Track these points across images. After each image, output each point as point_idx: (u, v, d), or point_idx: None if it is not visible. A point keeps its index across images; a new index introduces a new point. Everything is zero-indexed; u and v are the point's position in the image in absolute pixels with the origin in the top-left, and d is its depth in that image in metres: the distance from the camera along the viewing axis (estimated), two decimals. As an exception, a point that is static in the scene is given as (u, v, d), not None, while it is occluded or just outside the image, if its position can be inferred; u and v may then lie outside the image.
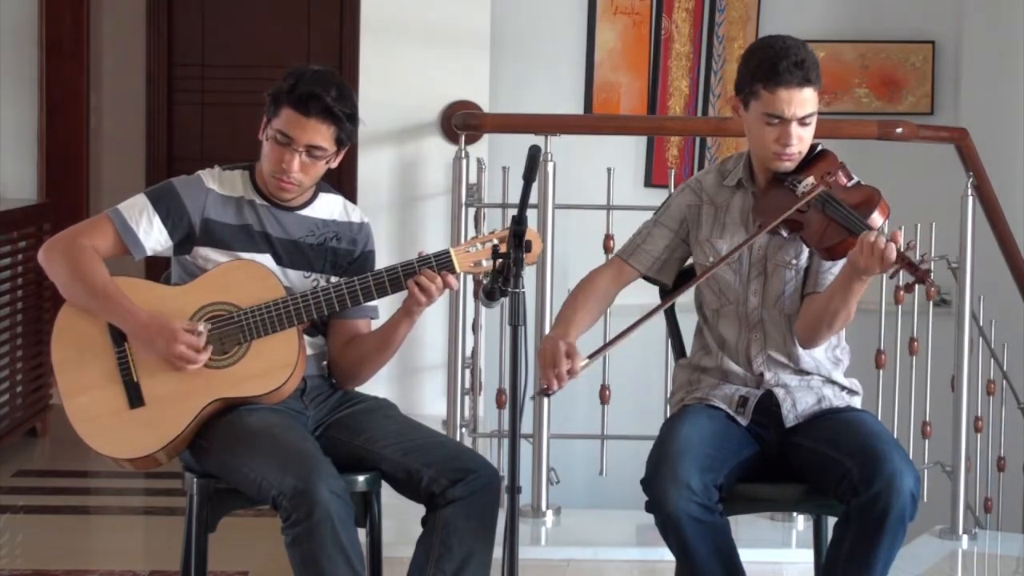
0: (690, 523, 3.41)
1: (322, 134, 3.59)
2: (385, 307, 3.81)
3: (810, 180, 3.60)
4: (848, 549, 3.46)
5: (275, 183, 3.63)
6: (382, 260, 3.78)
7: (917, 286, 3.44)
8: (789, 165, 3.64)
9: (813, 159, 3.67)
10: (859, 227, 3.50)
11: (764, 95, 3.57)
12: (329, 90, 3.57)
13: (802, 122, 3.59)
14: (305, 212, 3.72)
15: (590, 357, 3.57)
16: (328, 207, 3.76)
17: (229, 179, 3.70)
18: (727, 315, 3.71)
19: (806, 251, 3.65)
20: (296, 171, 3.59)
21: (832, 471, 3.48)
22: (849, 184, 3.64)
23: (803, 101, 3.57)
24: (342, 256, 3.74)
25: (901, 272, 3.43)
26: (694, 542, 3.43)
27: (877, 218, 3.52)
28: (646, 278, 3.79)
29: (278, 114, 3.59)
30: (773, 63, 3.55)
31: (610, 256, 3.82)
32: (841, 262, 3.60)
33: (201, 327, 3.53)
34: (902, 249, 3.42)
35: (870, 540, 3.42)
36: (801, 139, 3.61)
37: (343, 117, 3.59)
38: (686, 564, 3.48)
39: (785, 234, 3.63)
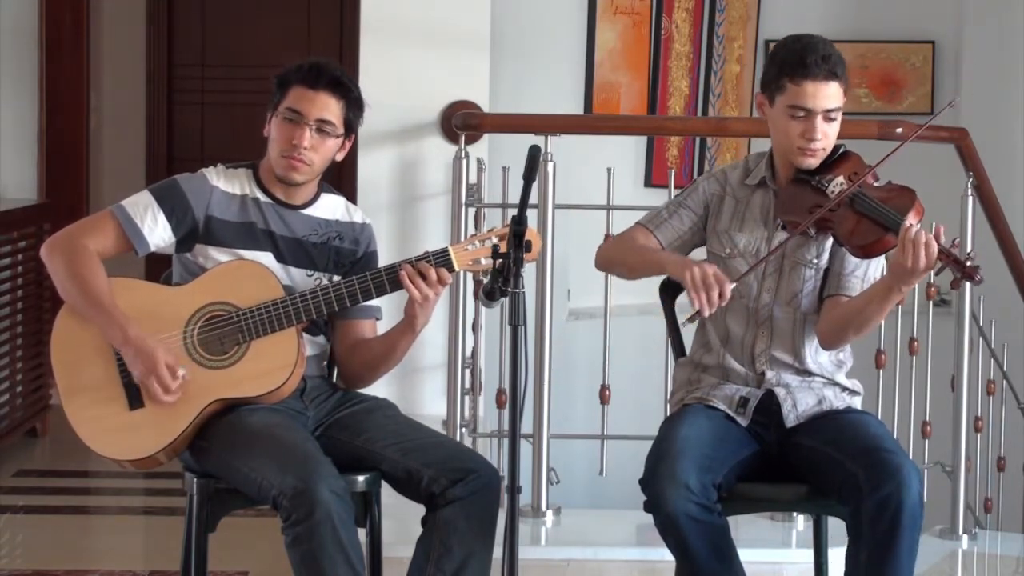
0: (688, 523, 3.40)
1: (331, 109, 3.61)
2: (388, 309, 3.81)
3: (840, 179, 3.61)
4: (866, 565, 3.42)
5: (285, 163, 3.63)
6: (382, 260, 3.78)
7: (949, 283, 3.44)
8: (813, 161, 3.64)
9: (837, 159, 3.67)
10: (895, 222, 3.48)
11: (790, 88, 3.59)
12: (336, 67, 3.64)
13: (827, 117, 3.60)
14: (308, 211, 3.72)
15: (735, 281, 3.56)
16: (331, 207, 3.76)
17: (233, 177, 3.70)
18: (736, 308, 3.70)
19: (828, 251, 3.65)
20: (307, 146, 3.60)
21: (835, 473, 3.48)
22: (879, 183, 3.64)
23: (828, 95, 3.59)
24: (345, 256, 3.74)
25: (947, 270, 3.43)
26: (693, 542, 3.42)
27: (911, 219, 3.50)
28: None
29: (286, 94, 3.62)
30: (801, 56, 3.58)
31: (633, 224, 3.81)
32: (867, 265, 3.60)
33: (182, 372, 3.52)
34: (944, 243, 3.41)
35: (889, 550, 3.39)
36: (826, 135, 3.62)
37: (352, 88, 3.64)
38: (685, 564, 3.48)
39: (812, 233, 3.62)
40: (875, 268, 3.66)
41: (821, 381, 3.70)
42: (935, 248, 3.40)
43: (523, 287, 3.31)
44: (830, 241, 3.65)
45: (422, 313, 3.59)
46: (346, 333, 3.75)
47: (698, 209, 3.75)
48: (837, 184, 3.60)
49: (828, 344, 3.66)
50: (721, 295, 3.49)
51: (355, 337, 3.74)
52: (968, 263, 3.42)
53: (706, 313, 3.51)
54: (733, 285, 3.54)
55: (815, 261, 3.66)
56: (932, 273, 3.46)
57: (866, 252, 3.56)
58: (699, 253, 3.78)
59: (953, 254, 3.42)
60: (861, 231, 3.53)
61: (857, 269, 3.63)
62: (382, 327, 3.78)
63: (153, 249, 3.65)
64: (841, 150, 3.70)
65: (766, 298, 3.68)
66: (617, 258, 3.78)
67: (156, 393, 3.51)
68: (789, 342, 3.68)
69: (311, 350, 3.68)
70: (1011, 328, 6.05)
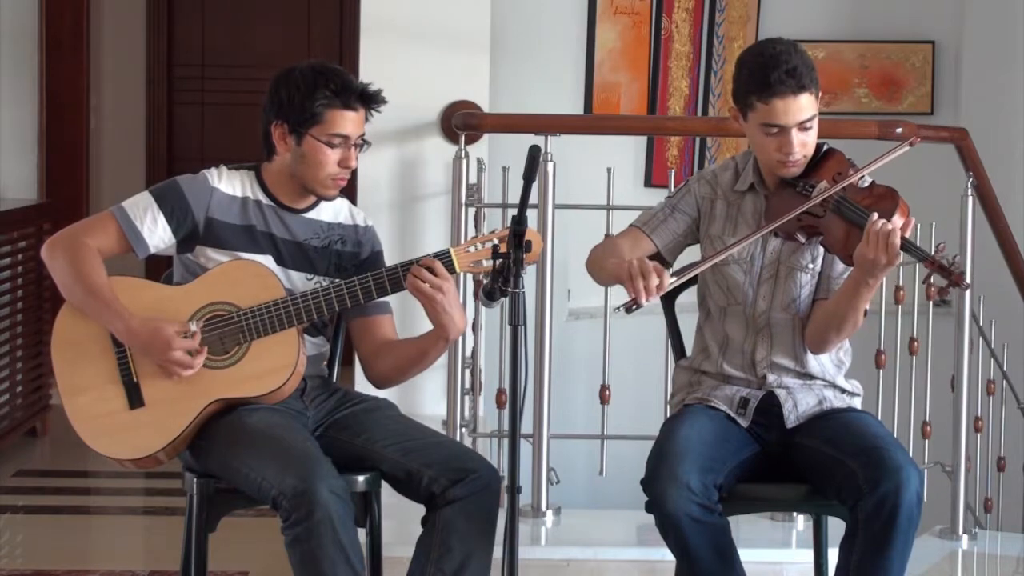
0: (690, 523, 3.40)
1: (363, 121, 3.65)
2: (399, 306, 3.80)
3: (824, 184, 3.58)
4: (858, 561, 3.42)
5: (335, 183, 3.64)
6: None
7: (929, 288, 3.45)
8: (796, 171, 3.61)
9: (820, 159, 3.64)
10: None
11: (760, 107, 3.54)
12: (352, 75, 3.64)
13: (802, 127, 3.55)
14: (311, 215, 3.72)
15: (675, 275, 3.52)
16: (333, 210, 3.76)
17: (235, 178, 3.70)
18: (734, 314, 3.69)
19: (822, 255, 3.64)
20: (355, 166, 3.65)
21: (835, 472, 3.47)
22: (864, 185, 3.62)
23: (800, 108, 3.52)
24: (346, 259, 3.74)
25: (933, 276, 3.43)
26: (694, 542, 3.42)
27: (898, 220, 3.47)
28: (655, 256, 3.74)
29: (321, 120, 3.58)
30: (764, 74, 3.51)
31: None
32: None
33: (193, 326, 3.53)
34: (912, 240, 3.40)
35: (881, 548, 3.39)
36: (804, 144, 3.57)
37: (378, 95, 3.65)
38: (686, 564, 3.48)
39: (803, 239, 3.60)
40: None
41: (822, 383, 3.70)
42: (897, 239, 3.40)
43: (523, 287, 3.31)
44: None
45: (446, 318, 3.56)
46: (366, 332, 3.73)
47: (691, 212, 3.73)
48: (821, 189, 3.58)
49: (814, 348, 3.65)
50: (659, 286, 3.43)
51: (378, 336, 3.72)
52: (954, 269, 3.40)
53: (642, 300, 3.44)
54: (672, 280, 3.49)
55: (810, 266, 3.65)
56: (921, 278, 3.46)
57: None
58: (693, 253, 3.78)
59: (938, 261, 3.41)
60: (853, 240, 3.51)
61: (846, 272, 3.61)
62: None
63: (153, 251, 3.65)
64: (824, 148, 3.66)
65: (762, 305, 3.67)
66: (595, 264, 3.72)
67: (185, 363, 3.50)
68: (790, 347, 3.67)
69: (311, 350, 3.68)
70: (1011, 328, 6.05)
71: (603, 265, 3.65)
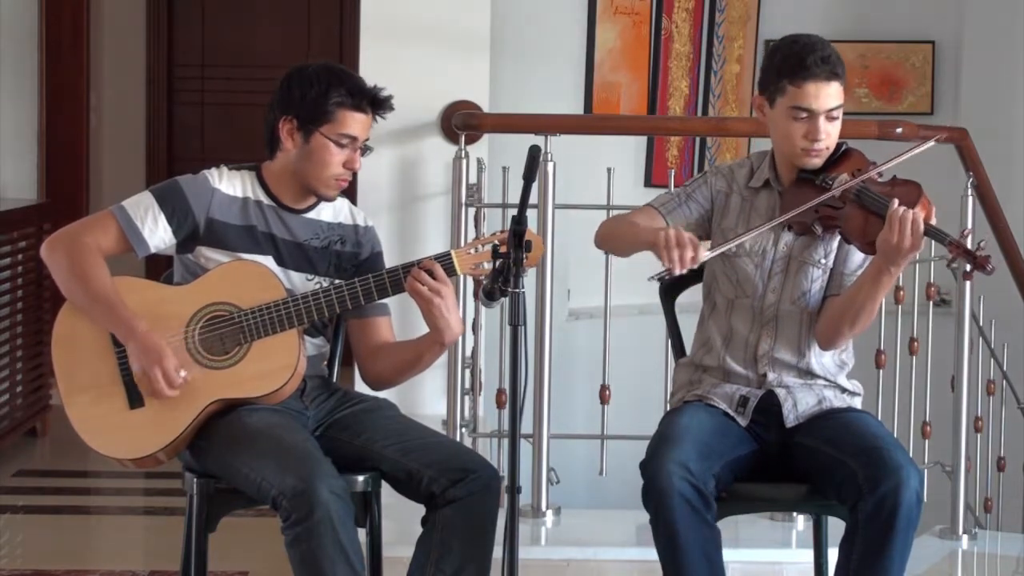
0: (682, 505, 3.37)
1: (370, 126, 3.66)
2: (397, 308, 3.80)
3: (844, 176, 3.61)
4: (858, 561, 3.42)
5: (337, 184, 3.65)
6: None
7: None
8: (817, 161, 3.64)
9: (840, 157, 3.67)
10: None
11: (791, 90, 3.59)
12: (362, 79, 3.64)
13: (830, 116, 3.60)
14: (311, 215, 3.72)
15: (710, 251, 3.54)
16: (333, 210, 3.75)
17: (235, 178, 3.70)
18: (741, 307, 3.70)
19: (835, 251, 3.65)
20: (359, 168, 3.65)
21: (835, 472, 3.47)
22: (883, 180, 3.64)
23: (830, 95, 3.59)
24: (346, 259, 3.74)
25: (960, 261, 3.46)
26: (684, 532, 3.38)
27: (919, 211, 3.49)
28: None
29: (332, 119, 3.59)
30: (800, 58, 3.57)
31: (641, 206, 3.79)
32: (868, 263, 3.60)
33: (184, 373, 3.52)
34: (936, 226, 3.42)
35: (881, 548, 3.38)
36: (829, 134, 3.62)
37: (389, 101, 3.66)
38: (671, 558, 3.41)
39: (819, 231, 3.62)
40: None
41: (823, 383, 3.70)
42: (921, 226, 3.43)
43: (523, 287, 3.31)
44: (837, 240, 3.65)
45: (443, 323, 3.55)
46: (364, 333, 3.74)
47: (706, 204, 3.74)
48: (841, 181, 3.60)
49: (826, 343, 3.65)
50: (694, 258, 3.43)
51: (375, 338, 3.73)
52: (979, 253, 3.43)
53: (676, 271, 3.43)
54: (707, 254, 3.50)
55: (823, 261, 3.66)
56: (946, 263, 3.48)
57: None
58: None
59: (963, 245, 3.45)
60: (872, 228, 3.53)
61: (859, 269, 3.64)
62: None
63: (153, 251, 3.65)
64: (843, 148, 3.70)
65: (771, 298, 3.68)
66: (616, 232, 3.73)
67: (160, 386, 3.50)
68: (795, 343, 3.67)
69: (311, 351, 3.68)
70: (1011, 328, 6.06)
71: (626, 232, 3.66)
